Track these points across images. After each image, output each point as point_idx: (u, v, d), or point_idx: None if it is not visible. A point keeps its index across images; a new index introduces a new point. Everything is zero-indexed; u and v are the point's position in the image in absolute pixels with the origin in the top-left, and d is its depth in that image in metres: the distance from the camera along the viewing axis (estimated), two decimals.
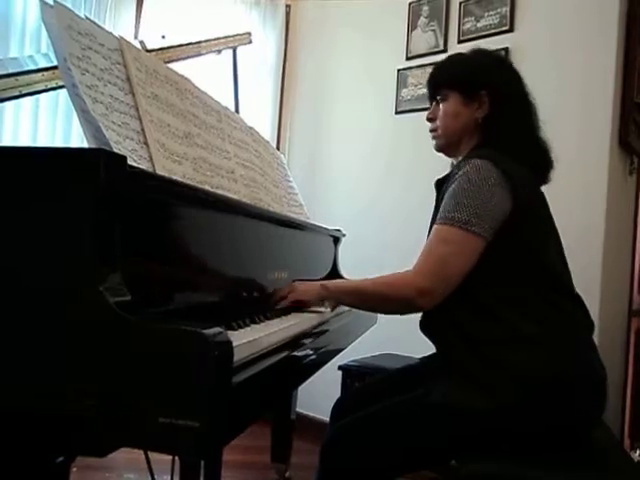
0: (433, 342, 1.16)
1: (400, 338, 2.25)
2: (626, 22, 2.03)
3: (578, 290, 1.11)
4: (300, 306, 1.23)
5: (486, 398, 0.98)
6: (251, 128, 1.54)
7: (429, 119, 1.23)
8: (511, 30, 2.20)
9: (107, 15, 2.38)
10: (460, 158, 1.17)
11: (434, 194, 1.19)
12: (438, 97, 1.20)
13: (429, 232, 1.23)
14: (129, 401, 0.64)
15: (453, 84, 1.17)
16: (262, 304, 1.16)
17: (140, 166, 0.88)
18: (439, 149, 1.23)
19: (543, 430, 0.97)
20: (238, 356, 0.71)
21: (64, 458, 0.72)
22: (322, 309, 1.26)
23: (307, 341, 1.02)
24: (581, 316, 1.08)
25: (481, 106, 1.14)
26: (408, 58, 2.55)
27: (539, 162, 1.14)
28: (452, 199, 1.03)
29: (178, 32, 2.35)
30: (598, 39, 2.00)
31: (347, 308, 1.42)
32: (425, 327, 1.16)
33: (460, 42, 2.35)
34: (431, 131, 1.23)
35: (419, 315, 1.18)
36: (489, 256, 1.02)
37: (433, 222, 1.19)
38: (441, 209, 1.06)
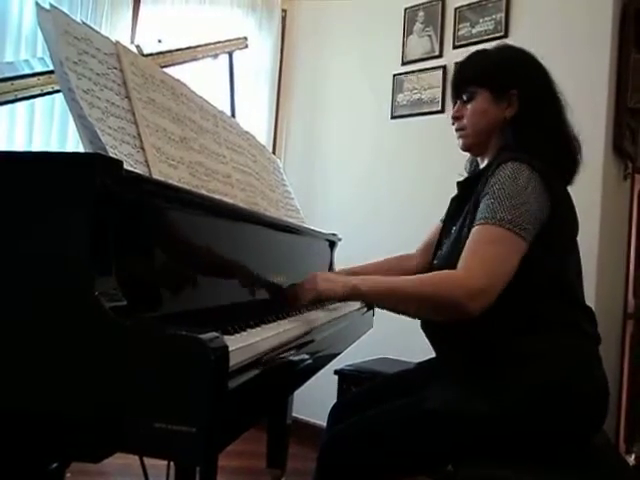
0: (433, 342, 1.15)
1: (396, 342, 2.26)
2: (619, 28, 2.05)
3: None
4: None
5: (487, 404, 0.98)
6: (247, 132, 1.54)
7: (455, 117, 1.18)
8: (506, 36, 2.21)
9: (104, 19, 2.38)
10: (487, 159, 1.15)
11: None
12: (464, 95, 1.15)
13: (441, 231, 1.22)
14: (124, 406, 0.63)
15: (483, 82, 1.12)
16: (258, 308, 1.16)
17: (136, 170, 0.88)
18: (466, 148, 1.19)
19: (542, 437, 0.97)
20: (234, 361, 0.71)
21: (58, 464, 0.72)
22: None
23: (303, 345, 1.02)
24: (590, 329, 1.07)
25: (510, 105, 1.10)
26: (404, 63, 2.56)
27: (569, 162, 1.11)
28: (496, 200, 0.99)
29: (174, 36, 2.36)
30: (592, 45, 2.01)
31: (343, 312, 1.41)
32: (427, 327, 1.15)
33: (455, 48, 2.37)
34: (457, 130, 1.18)
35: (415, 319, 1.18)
36: None
37: (448, 224, 1.18)
38: (484, 209, 1.01)
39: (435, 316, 1.04)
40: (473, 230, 1.01)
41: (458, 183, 1.20)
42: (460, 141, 1.18)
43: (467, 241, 1.00)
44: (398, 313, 1.05)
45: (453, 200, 1.22)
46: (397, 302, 1.03)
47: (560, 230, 1.03)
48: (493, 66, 1.14)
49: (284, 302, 1.15)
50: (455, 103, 1.19)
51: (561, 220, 1.03)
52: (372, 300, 1.10)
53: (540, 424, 0.97)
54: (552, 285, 1.03)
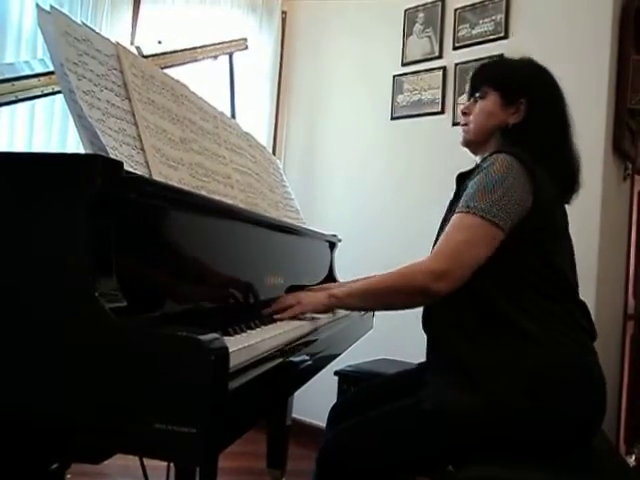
0: (430, 339, 1.16)
1: (396, 343, 2.26)
2: (619, 28, 2.05)
3: None
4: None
5: (484, 403, 0.98)
6: (247, 133, 1.54)
7: (463, 112, 1.23)
8: (506, 37, 2.21)
9: (104, 21, 2.38)
10: (485, 155, 1.17)
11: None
12: (477, 94, 1.20)
13: (440, 229, 1.22)
14: (125, 407, 0.63)
15: (497, 84, 1.18)
16: (258, 310, 1.16)
17: (136, 172, 0.88)
18: (465, 144, 1.24)
19: (541, 435, 0.97)
20: (234, 362, 0.71)
21: (59, 465, 0.72)
22: (320, 315, 1.25)
23: (303, 346, 1.02)
24: (585, 323, 1.08)
25: (517, 112, 1.15)
26: (404, 64, 2.56)
27: (564, 180, 1.14)
28: (475, 189, 1.04)
29: (174, 38, 2.36)
30: (592, 45, 2.02)
31: (343, 314, 1.41)
32: (426, 324, 1.17)
33: (455, 49, 2.37)
34: (462, 125, 1.24)
35: (415, 319, 1.18)
36: (500, 255, 1.02)
37: (446, 218, 1.20)
38: (463, 198, 1.06)
39: (410, 304, 1.09)
40: (452, 218, 1.06)
41: (456, 176, 1.23)
42: (462, 136, 1.24)
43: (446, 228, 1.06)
44: (381, 310, 1.16)
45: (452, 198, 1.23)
46: (373, 301, 1.13)
47: (546, 219, 1.05)
48: (510, 71, 1.21)
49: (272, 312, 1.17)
50: (469, 99, 1.24)
51: (547, 209, 1.05)
52: (351, 304, 1.17)
53: (539, 416, 0.97)
54: (545, 278, 1.05)
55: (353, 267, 1.70)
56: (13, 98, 1.22)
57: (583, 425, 1.02)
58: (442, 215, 1.24)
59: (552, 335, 1.01)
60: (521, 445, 0.97)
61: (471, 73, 1.27)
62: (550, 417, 0.97)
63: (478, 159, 1.23)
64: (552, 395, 0.98)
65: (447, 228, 1.06)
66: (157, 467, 1.33)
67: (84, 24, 0.99)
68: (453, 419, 0.99)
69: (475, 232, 1.01)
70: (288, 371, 0.93)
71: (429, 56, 2.46)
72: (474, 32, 2.32)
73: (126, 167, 0.76)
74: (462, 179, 1.19)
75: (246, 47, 2.02)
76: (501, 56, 1.29)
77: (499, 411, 0.97)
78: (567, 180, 1.14)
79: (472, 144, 1.22)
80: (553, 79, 1.19)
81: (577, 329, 1.06)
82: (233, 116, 1.89)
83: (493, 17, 2.26)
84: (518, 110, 1.15)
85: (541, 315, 1.03)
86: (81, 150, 0.90)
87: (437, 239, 1.21)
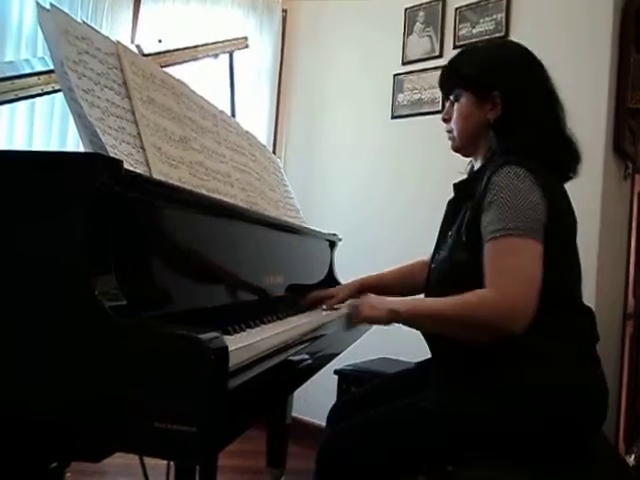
0: (430, 342, 1.15)
1: (395, 343, 2.26)
2: (619, 28, 2.05)
3: None
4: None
5: (485, 405, 0.98)
6: (247, 132, 1.54)
7: (444, 119, 1.18)
8: (506, 36, 2.21)
9: (104, 19, 2.38)
10: (479, 160, 1.15)
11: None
12: (451, 97, 1.15)
13: (439, 234, 1.21)
14: (125, 406, 0.63)
15: (465, 83, 1.12)
16: (258, 308, 1.16)
17: (136, 170, 0.88)
18: (455, 150, 1.19)
19: (541, 437, 0.97)
20: (234, 361, 0.71)
21: (58, 463, 0.72)
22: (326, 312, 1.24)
23: (303, 345, 1.02)
24: (589, 329, 1.07)
25: (494, 107, 1.09)
26: (404, 63, 2.56)
27: (567, 156, 1.09)
28: (500, 210, 0.98)
29: (175, 36, 2.36)
30: (592, 45, 2.01)
31: (343, 312, 1.41)
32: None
33: (455, 47, 2.37)
34: (447, 132, 1.19)
35: None
36: None
37: (445, 227, 1.18)
38: (490, 223, 0.98)
39: (476, 338, 0.98)
40: (486, 246, 0.99)
41: (454, 185, 1.21)
42: (450, 143, 1.19)
43: (485, 259, 0.98)
44: (448, 335, 1.02)
45: (450, 203, 1.22)
46: (437, 326, 1.03)
47: (558, 228, 1.02)
48: (473, 68, 1.12)
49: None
50: (446, 102, 1.19)
51: (558, 217, 1.02)
52: (412, 324, 1.07)
53: (538, 424, 0.97)
54: (550, 286, 1.03)
55: (353, 266, 1.70)
56: (13, 96, 1.21)
57: (583, 430, 1.01)
58: (442, 215, 1.24)
59: (554, 343, 1.00)
60: (520, 446, 0.97)
61: (438, 77, 1.20)
62: (550, 423, 0.97)
63: (475, 162, 1.20)
64: (553, 404, 0.97)
65: (491, 256, 0.97)
66: (157, 465, 1.34)
67: (84, 22, 0.99)
68: (454, 419, 0.99)
69: (525, 253, 0.96)
70: (288, 370, 0.93)
71: (430, 55, 2.46)
72: (475, 31, 2.31)
73: (126, 165, 0.76)
74: (460, 189, 1.16)
75: (246, 46, 2.02)
76: (465, 50, 1.20)
77: (499, 411, 0.97)
78: (567, 155, 1.10)
79: (461, 149, 1.18)
80: (525, 60, 1.11)
81: (580, 338, 1.05)
82: (233, 115, 1.89)
83: (494, 16, 2.26)
84: (495, 104, 1.09)
85: (544, 325, 0.99)
86: (81, 148, 0.90)
87: (437, 244, 1.20)
